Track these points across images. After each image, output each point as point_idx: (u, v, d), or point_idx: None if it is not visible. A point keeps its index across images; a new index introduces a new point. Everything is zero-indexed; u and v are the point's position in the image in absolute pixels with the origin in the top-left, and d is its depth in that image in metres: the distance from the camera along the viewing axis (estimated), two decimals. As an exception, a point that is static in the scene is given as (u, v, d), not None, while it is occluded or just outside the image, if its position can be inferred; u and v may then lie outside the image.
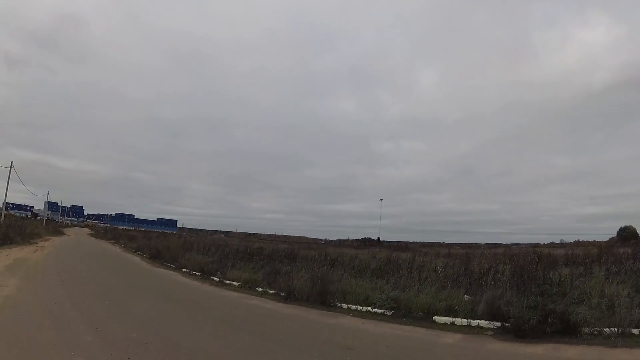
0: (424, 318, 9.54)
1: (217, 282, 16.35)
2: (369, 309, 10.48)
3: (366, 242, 63.19)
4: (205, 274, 17.96)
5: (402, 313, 9.94)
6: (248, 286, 14.66)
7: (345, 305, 10.98)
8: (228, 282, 15.90)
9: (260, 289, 14.02)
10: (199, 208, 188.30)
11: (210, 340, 7.04)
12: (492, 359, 6.63)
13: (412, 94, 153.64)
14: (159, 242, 33.38)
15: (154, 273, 19.23)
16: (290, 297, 12.24)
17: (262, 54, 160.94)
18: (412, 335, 8.20)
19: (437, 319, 9.36)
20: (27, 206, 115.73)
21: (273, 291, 13.44)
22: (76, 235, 58.20)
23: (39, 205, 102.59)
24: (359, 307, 10.70)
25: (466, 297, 10.56)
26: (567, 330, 8.00)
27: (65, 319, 7.63)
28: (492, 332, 8.40)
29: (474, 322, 8.95)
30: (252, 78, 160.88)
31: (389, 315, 10.02)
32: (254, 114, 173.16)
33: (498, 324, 8.68)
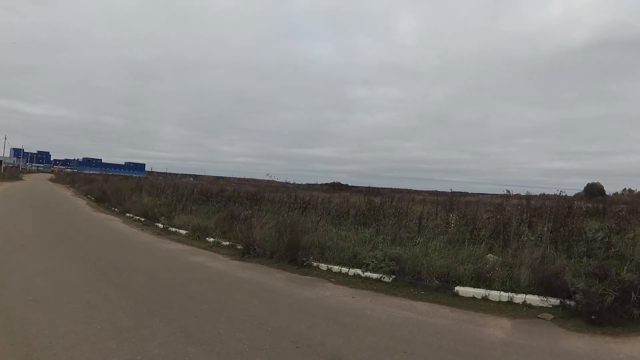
0: (439, 288, 6.48)
1: (161, 229, 13.17)
2: (359, 272, 7.30)
3: (335, 186, 60.53)
4: (149, 219, 14.79)
5: (408, 280, 6.81)
6: (197, 235, 11.41)
7: (324, 266, 7.81)
8: (174, 229, 12.67)
9: (211, 240, 10.75)
10: (169, 152, 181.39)
11: (98, 339, 3.77)
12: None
13: (390, 39, 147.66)
14: (112, 184, 29.35)
15: (89, 219, 15.60)
16: (248, 251, 9.06)
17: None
18: (435, 321, 5.11)
19: (461, 290, 6.33)
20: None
21: (227, 242, 10.24)
22: (33, 180, 51.84)
23: (6, 154, 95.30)
24: (344, 269, 7.54)
25: (490, 256, 7.65)
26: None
27: None
28: (551, 316, 5.47)
29: (518, 297, 6.00)
30: (226, 18, 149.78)
31: (388, 282, 6.91)
32: (228, 55, 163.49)
33: (555, 300, 5.80)
